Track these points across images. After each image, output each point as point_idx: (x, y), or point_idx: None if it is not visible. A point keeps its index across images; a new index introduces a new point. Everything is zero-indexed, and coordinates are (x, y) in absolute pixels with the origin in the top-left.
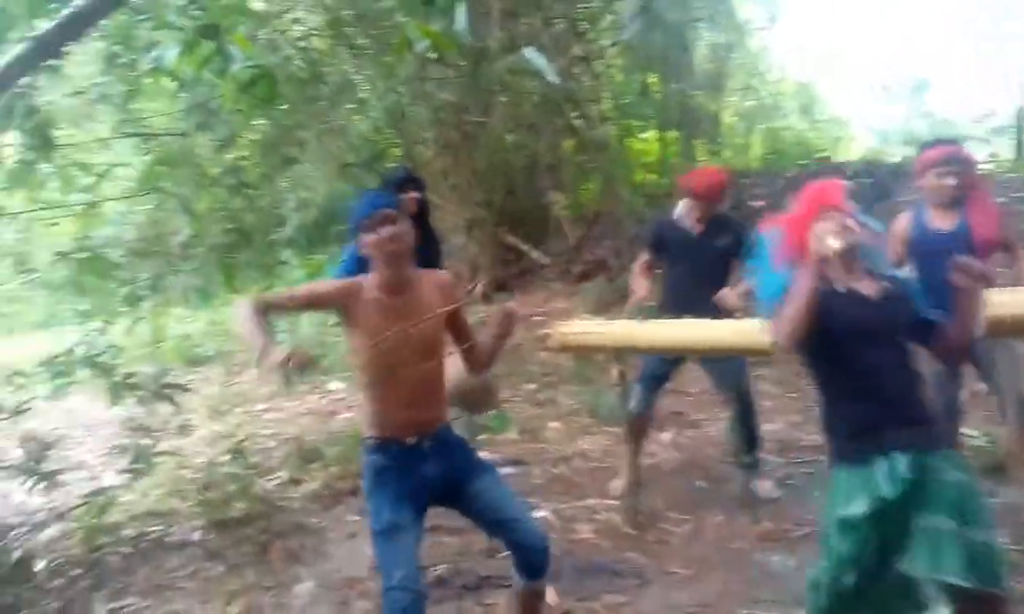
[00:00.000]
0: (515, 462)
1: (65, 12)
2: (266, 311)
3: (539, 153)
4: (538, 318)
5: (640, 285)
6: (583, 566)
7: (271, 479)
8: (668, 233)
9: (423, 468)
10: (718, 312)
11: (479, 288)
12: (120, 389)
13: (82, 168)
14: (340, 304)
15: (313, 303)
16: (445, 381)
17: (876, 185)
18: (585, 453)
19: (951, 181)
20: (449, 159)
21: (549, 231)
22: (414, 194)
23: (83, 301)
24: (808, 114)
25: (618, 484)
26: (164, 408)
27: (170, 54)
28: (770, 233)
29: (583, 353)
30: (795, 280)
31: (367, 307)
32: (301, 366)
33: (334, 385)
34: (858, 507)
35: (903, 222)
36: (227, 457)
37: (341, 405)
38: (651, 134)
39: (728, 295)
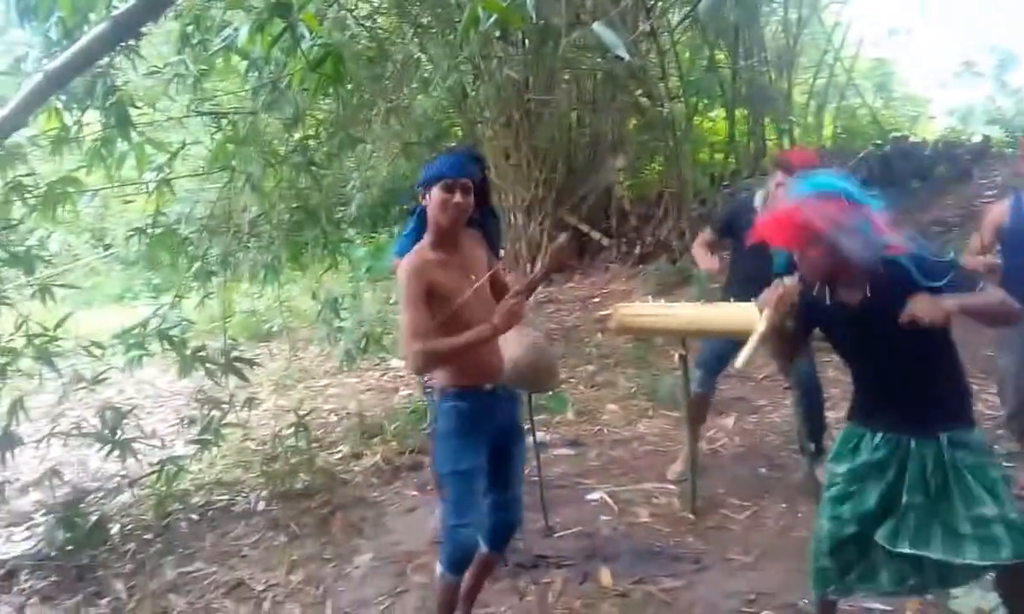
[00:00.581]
0: (572, 443)
1: None
2: (431, 336)
3: (602, 131)
4: (597, 299)
5: (708, 259)
6: (640, 549)
7: (333, 453)
8: (743, 218)
9: (496, 415)
10: None
11: (539, 268)
12: (190, 362)
13: (157, 147)
14: (428, 287)
15: (425, 300)
16: (505, 357)
17: (955, 166)
18: (643, 437)
19: None
20: (511, 137)
21: (611, 211)
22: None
23: (156, 276)
24: (884, 92)
25: (676, 468)
26: (232, 381)
27: (241, 33)
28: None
29: (643, 335)
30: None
31: (439, 271)
32: None
33: (395, 362)
34: (841, 466)
35: (999, 209)
36: (290, 431)
37: (401, 382)
38: (719, 112)
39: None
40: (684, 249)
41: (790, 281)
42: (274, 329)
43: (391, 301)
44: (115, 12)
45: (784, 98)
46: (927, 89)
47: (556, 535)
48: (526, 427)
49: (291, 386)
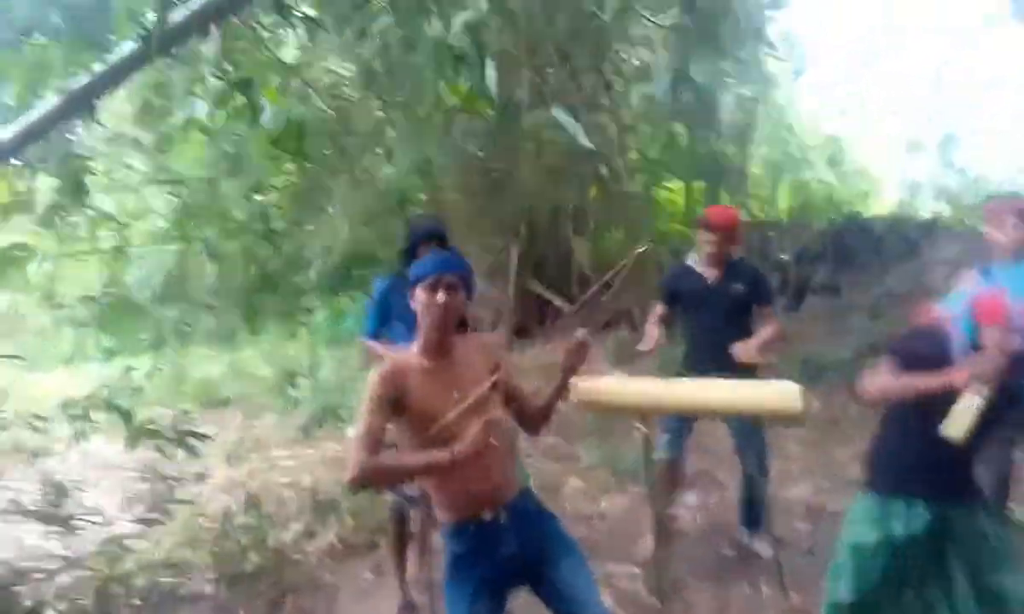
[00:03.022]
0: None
1: (102, 67)
2: (379, 450)
3: (564, 201)
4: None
5: (652, 333)
6: None
7: (285, 531)
8: (682, 281)
9: (502, 548)
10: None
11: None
12: (139, 435)
13: (108, 218)
14: (394, 392)
15: (383, 409)
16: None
17: (905, 242)
18: (606, 514)
19: None
20: (473, 205)
21: (573, 278)
22: (439, 247)
23: (107, 338)
24: (835, 166)
25: (647, 544)
26: (182, 454)
27: (199, 107)
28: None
29: (606, 412)
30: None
31: (415, 381)
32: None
33: (352, 432)
34: (869, 536)
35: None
36: (241, 506)
37: None
38: (677, 184)
39: (745, 348)
40: (645, 318)
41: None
42: (228, 396)
43: (348, 366)
44: (71, 86)
45: (740, 172)
46: (877, 164)
47: None
48: None
49: (244, 457)
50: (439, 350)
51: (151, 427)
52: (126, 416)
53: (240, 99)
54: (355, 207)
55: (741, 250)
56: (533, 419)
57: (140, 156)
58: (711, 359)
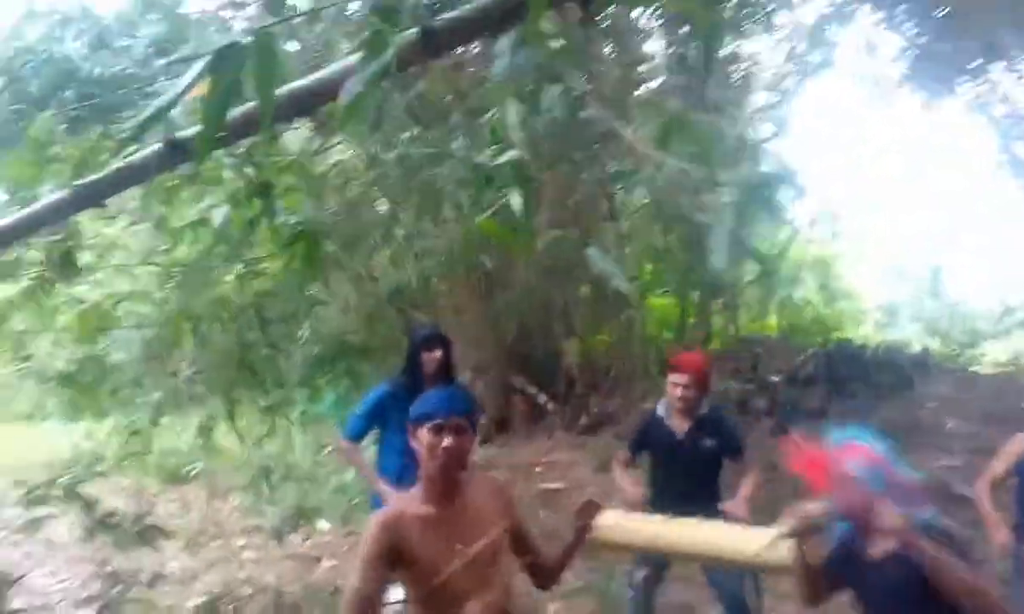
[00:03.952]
0: None
1: (115, 166)
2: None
3: (554, 297)
4: (540, 469)
5: (628, 484)
6: None
7: None
8: (652, 432)
9: None
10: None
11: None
12: (97, 528)
13: (94, 313)
14: (393, 545)
15: (379, 566)
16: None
17: (897, 374)
18: None
19: None
20: (465, 297)
21: (559, 377)
22: (438, 353)
23: (69, 398)
24: (825, 289)
25: None
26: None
27: (218, 214)
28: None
29: (624, 551)
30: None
31: (419, 530)
32: None
33: (323, 525)
34: None
35: (1022, 440)
36: (197, 603)
37: (326, 550)
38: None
39: (735, 507)
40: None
41: (814, 506)
42: (192, 473)
43: (320, 451)
44: (77, 183)
45: (732, 288)
46: (862, 286)
47: None
48: None
49: (204, 545)
50: (445, 496)
51: (111, 521)
52: (87, 506)
53: (256, 204)
54: (352, 301)
55: (726, 376)
56: (544, 573)
57: (137, 238)
58: (679, 513)
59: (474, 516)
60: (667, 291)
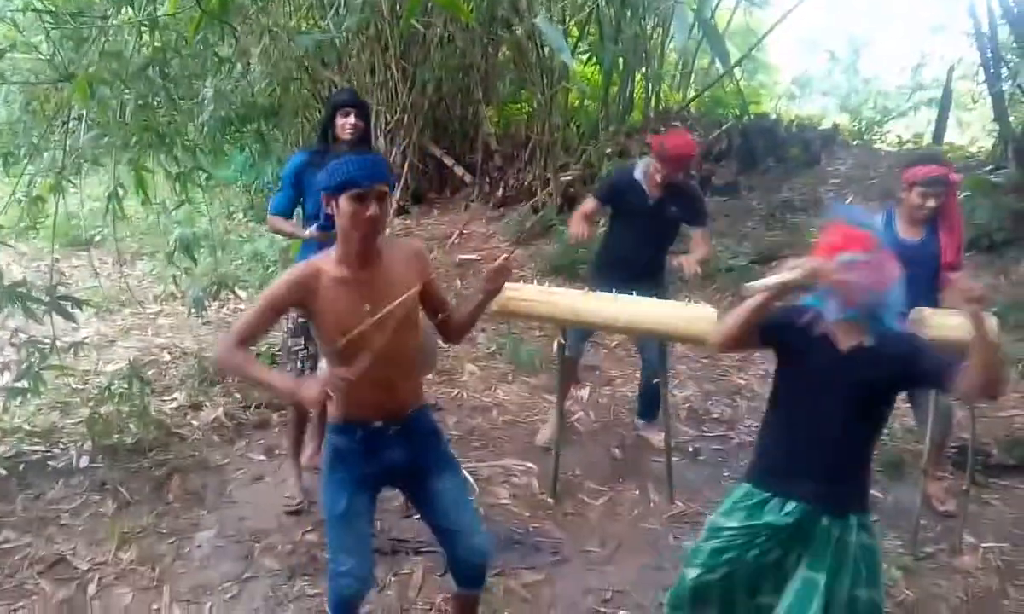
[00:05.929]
0: (432, 407)
1: None
2: (248, 347)
3: (475, 61)
4: (456, 240)
5: (580, 227)
6: (501, 536)
7: (167, 401)
8: (626, 192)
9: (386, 453)
10: (655, 274)
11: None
12: (6, 298)
13: None
14: (300, 300)
15: (277, 311)
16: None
17: (807, 150)
18: (502, 404)
19: (932, 203)
20: (379, 53)
21: (476, 147)
22: (354, 119)
23: None
24: (747, 61)
25: (546, 432)
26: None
27: None
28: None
29: (524, 319)
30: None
31: (331, 289)
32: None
33: (243, 294)
34: (732, 520)
35: None
36: (117, 370)
37: None
38: (594, 63)
39: (689, 262)
40: (548, 198)
41: (825, 262)
42: (96, 236)
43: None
44: None
45: (657, 56)
46: (779, 58)
47: (415, 516)
48: None
49: (116, 310)
50: (363, 262)
51: (21, 291)
52: None
53: None
54: (263, 61)
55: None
56: (454, 330)
57: None
58: (630, 271)
59: (388, 279)
60: (591, 58)
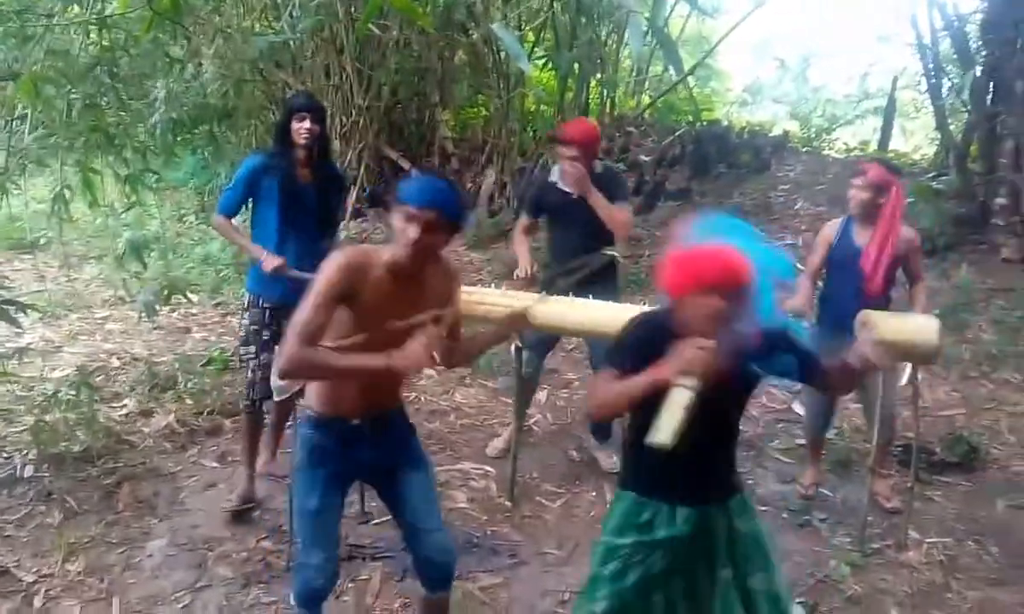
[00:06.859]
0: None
1: None
2: (318, 342)
3: (431, 64)
4: None
5: (523, 252)
6: (459, 540)
7: (116, 408)
8: (548, 196)
9: (360, 451)
10: (606, 274)
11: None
12: None
13: None
14: (354, 282)
15: (336, 298)
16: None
17: (757, 156)
18: (460, 408)
19: (862, 196)
20: (334, 54)
21: (433, 150)
22: (310, 123)
23: None
24: (701, 68)
25: (498, 444)
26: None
27: None
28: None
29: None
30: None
31: (372, 286)
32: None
33: (195, 298)
34: (626, 538)
35: (830, 230)
36: (63, 376)
37: (194, 321)
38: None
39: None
40: (505, 202)
41: (707, 342)
42: (41, 239)
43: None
44: None
45: (612, 63)
46: (731, 65)
47: (372, 522)
48: None
49: (63, 316)
50: (405, 271)
51: None
52: None
53: None
54: (216, 62)
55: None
56: (457, 357)
57: None
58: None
59: (423, 294)
60: (547, 64)
